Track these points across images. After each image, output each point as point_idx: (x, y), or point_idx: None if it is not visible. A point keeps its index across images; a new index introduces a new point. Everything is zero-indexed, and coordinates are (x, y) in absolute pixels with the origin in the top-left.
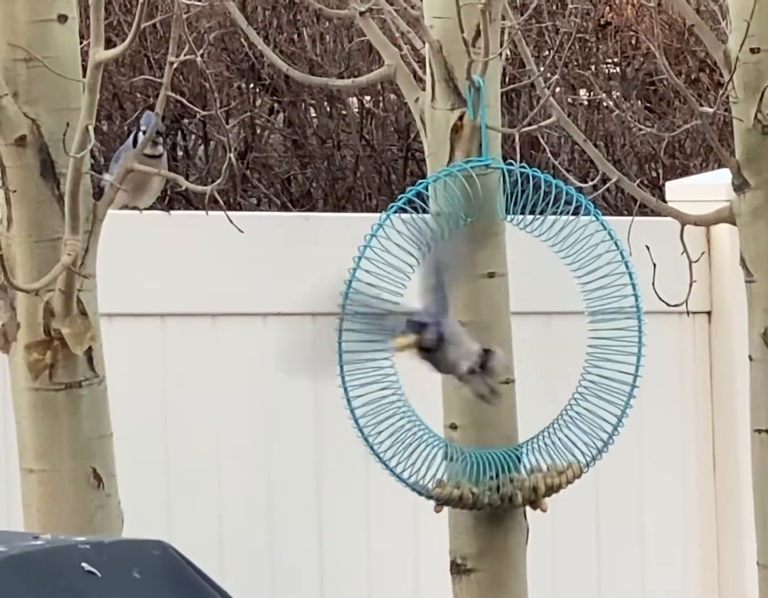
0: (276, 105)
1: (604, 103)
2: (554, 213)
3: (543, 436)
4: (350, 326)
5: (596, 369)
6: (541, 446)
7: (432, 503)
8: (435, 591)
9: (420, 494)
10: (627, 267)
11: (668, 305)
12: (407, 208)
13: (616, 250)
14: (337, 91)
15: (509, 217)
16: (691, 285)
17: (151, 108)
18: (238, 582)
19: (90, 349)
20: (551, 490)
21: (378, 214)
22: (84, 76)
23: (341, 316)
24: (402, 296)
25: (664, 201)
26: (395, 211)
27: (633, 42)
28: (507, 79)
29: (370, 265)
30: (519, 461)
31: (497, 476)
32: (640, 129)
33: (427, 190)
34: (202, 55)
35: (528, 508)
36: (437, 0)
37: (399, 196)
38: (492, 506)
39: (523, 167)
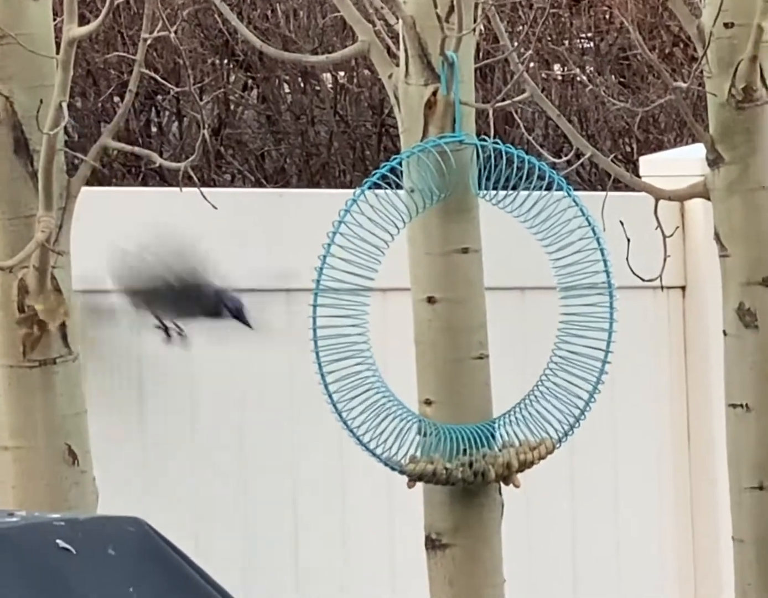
0: (250, 81)
1: (578, 78)
2: (527, 189)
3: (516, 410)
4: (324, 302)
5: (567, 345)
6: (513, 420)
7: (406, 478)
8: (410, 566)
9: (393, 469)
10: (599, 243)
11: (642, 280)
12: (381, 183)
13: (589, 226)
14: (311, 67)
15: (482, 192)
16: (665, 260)
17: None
18: (212, 557)
19: (64, 326)
20: (524, 466)
21: (352, 190)
22: (57, 53)
23: (315, 291)
24: (376, 272)
25: (638, 176)
26: (369, 187)
27: (607, 17)
28: (481, 54)
29: (344, 241)
30: (492, 437)
31: (470, 451)
32: (614, 104)
33: (401, 165)
34: (175, 32)
35: (502, 483)
36: None
37: (373, 172)
38: (465, 482)
39: (497, 143)
